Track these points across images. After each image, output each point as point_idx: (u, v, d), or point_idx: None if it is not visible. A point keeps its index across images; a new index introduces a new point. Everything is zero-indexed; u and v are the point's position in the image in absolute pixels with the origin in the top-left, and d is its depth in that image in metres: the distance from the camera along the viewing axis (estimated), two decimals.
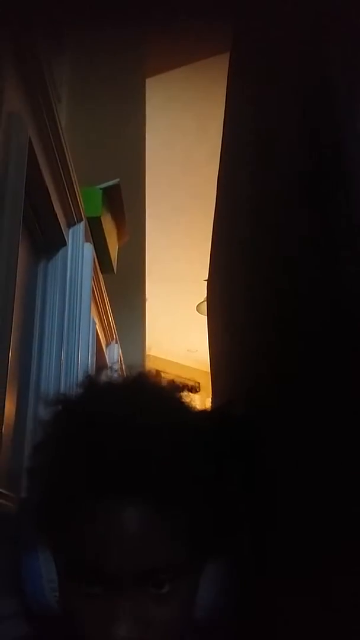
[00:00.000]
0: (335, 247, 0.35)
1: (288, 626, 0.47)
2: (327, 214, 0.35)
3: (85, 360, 1.46)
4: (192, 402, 0.54)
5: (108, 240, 1.89)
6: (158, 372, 0.56)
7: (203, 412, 0.54)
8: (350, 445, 0.34)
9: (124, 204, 2.04)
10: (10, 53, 0.94)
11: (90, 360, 1.53)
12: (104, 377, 0.56)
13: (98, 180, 1.87)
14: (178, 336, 5.65)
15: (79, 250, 1.48)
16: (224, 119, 0.79)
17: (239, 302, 0.68)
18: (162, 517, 0.45)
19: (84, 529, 0.45)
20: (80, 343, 1.42)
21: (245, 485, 0.50)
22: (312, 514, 0.41)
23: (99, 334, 1.85)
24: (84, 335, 1.45)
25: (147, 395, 0.51)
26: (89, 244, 1.56)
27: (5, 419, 0.87)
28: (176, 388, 0.54)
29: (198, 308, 4.68)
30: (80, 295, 1.45)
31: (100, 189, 1.83)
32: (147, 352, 3.43)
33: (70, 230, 1.47)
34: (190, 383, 0.57)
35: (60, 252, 1.44)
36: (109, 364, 1.64)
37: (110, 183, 1.89)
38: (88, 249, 1.54)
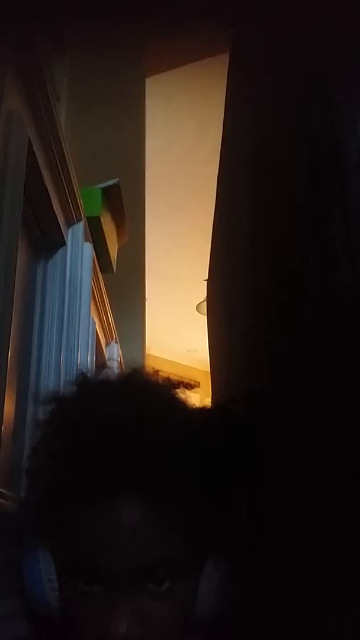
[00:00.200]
0: (334, 247, 0.35)
1: (287, 625, 0.47)
2: (325, 216, 0.36)
3: (84, 360, 1.46)
4: (188, 399, 0.54)
5: (108, 240, 1.89)
6: (156, 371, 0.56)
7: (200, 409, 0.54)
8: (349, 444, 0.34)
9: (124, 204, 2.04)
10: (10, 53, 0.94)
11: (90, 360, 1.53)
12: (99, 374, 0.56)
13: (97, 180, 1.86)
14: (178, 336, 5.65)
15: (78, 250, 1.48)
16: (224, 119, 0.80)
17: (238, 302, 0.68)
18: (158, 514, 0.45)
19: (79, 528, 0.46)
20: (80, 343, 1.42)
21: (243, 483, 0.50)
22: (311, 512, 0.41)
23: (99, 333, 1.85)
24: (83, 335, 1.45)
25: (141, 392, 0.51)
26: (88, 243, 1.56)
27: (4, 418, 0.87)
28: (171, 384, 0.54)
29: (198, 308, 4.68)
30: (80, 295, 1.45)
31: (100, 188, 1.83)
32: (147, 351, 3.43)
33: (70, 230, 1.46)
34: (188, 381, 0.57)
35: (60, 252, 1.43)
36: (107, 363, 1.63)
37: (110, 183, 1.89)
38: (87, 249, 1.53)
